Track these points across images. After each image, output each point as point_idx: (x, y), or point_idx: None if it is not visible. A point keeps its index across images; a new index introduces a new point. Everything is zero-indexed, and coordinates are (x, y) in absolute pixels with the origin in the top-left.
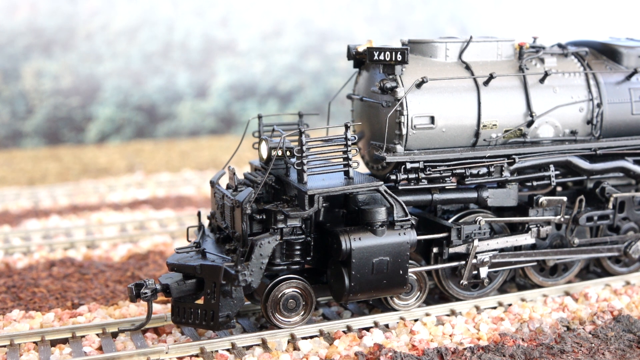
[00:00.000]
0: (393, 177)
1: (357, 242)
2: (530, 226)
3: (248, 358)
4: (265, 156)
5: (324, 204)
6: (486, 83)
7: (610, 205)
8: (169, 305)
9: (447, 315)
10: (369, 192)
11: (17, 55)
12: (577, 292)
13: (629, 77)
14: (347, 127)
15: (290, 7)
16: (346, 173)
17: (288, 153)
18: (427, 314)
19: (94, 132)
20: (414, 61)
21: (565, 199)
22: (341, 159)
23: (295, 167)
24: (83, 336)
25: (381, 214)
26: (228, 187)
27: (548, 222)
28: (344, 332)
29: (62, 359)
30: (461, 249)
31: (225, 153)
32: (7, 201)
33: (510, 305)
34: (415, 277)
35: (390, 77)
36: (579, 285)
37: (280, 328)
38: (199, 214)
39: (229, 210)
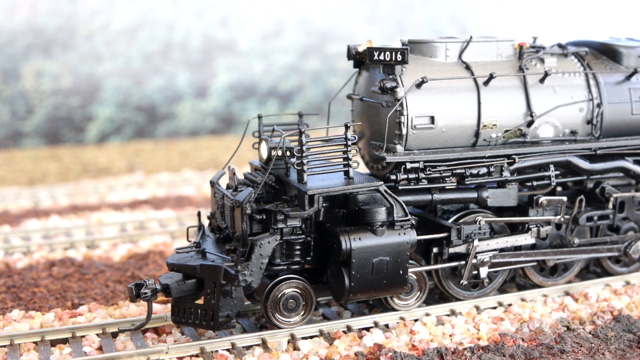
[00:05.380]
0: (393, 177)
1: (357, 242)
2: (530, 226)
3: (248, 358)
4: (265, 156)
5: (324, 204)
6: (486, 83)
7: (610, 205)
8: (169, 305)
9: (447, 315)
10: (369, 192)
11: (17, 55)
12: (577, 292)
13: (629, 77)
14: (347, 127)
15: (290, 7)
16: (346, 173)
17: (288, 153)
18: (427, 314)
19: (94, 132)
20: (414, 61)
21: (565, 199)
22: (341, 159)
23: (295, 167)
24: (83, 336)
25: (381, 214)
26: (228, 187)
27: (548, 222)
28: (344, 332)
29: (62, 359)
30: (461, 249)
31: (225, 153)
32: (7, 201)
33: (510, 305)
34: (415, 277)
35: (390, 77)
36: (579, 285)
37: (280, 328)
38: (199, 214)
39: (229, 210)
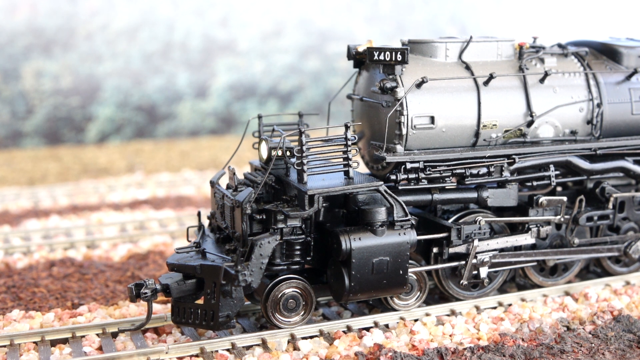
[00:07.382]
0: (393, 177)
1: (357, 242)
2: (530, 226)
3: (248, 358)
4: (265, 156)
5: (324, 204)
6: (486, 83)
7: (610, 205)
8: (169, 305)
9: (447, 315)
10: (369, 192)
11: (17, 55)
12: (577, 292)
13: (629, 77)
14: (347, 127)
15: (290, 7)
16: (346, 173)
17: (288, 153)
18: (427, 314)
19: (94, 132)
20: (414, 61)
21: (565, 199)
22: (341, 159)
23: (295, 167)
24: (83, 336)
25: (381, 214)
26: (228, 187)
27: (548, 222)
28: (344, 332)
29: (62, 359)
30: (461, 249)
31: (225, 153)
32: (7, 201)
33: (510, 305)
34: (415, 277)
35: (390, 77)
36: (579, 285)
37: (280, 328)
38: (199, 214)
39: (229, 210)
